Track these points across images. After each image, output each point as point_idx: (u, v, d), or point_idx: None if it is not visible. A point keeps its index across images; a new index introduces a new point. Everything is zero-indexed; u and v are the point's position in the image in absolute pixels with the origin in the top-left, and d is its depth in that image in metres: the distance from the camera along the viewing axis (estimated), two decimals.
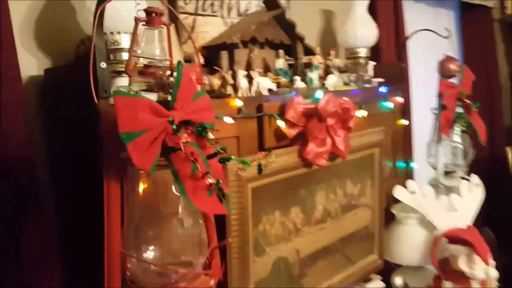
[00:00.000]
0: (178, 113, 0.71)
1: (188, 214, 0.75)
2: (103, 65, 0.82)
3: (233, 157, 0.78)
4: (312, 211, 1.28)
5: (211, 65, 1.26)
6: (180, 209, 0.73)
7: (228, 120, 1.01)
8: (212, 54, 1.30)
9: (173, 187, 0.73)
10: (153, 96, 0.78)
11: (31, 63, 1.01)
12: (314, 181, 1.28)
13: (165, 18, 0.81)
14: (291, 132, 1.17)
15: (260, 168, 0.82)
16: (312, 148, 1.20)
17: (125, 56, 0.95)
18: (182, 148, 0.68)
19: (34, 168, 0.92)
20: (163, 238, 0.74)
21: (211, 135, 0.76)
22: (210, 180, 0.70)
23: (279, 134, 1.18)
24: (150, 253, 0.74)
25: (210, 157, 0.77)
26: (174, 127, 0.70)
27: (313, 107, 1.20)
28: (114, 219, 0.70)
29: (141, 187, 0.74)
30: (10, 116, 0.87)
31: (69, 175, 1.00)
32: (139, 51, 0.76)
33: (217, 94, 1.13)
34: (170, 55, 0.79)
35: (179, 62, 0.76)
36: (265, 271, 1.15)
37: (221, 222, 1.04)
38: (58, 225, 1.00)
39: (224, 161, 0.77)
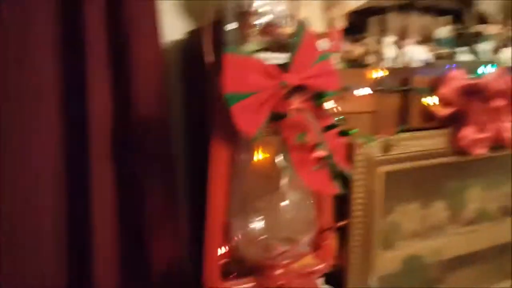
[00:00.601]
0: (293, 76, 0.64)
1: (294, 189, 0.68)
2: (230, 27, 0.79)
3: (354, 130, 0.68)
4: (462, 209, 1.09)
5: (359, 32, 1.15)
6: (284, 182, 0.67)
7: (361, 92, 0.90)
8: (360, 20, 1.17)
9: (278, 158, 0.66)
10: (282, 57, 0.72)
11: (176, 26, 1.03)
12: (468, 173, 1.07)
13: None
14: (443, 112, 0.99)
15: (385, 148, 0.70)
16: (468, 133, 1.00)
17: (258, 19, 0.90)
18: (291, 115, 0.61)
19: (169, 138, 0.94)
20: (267, 211, 0.69)
21: (329, 104, 0.67)
22: (320, 154, 0.62)
23: (427, 114, 1.01)
24: (255, 225, 0.70)
25: (327, 128, 0.68)
26: (286, 91, 0.63)
27: (475, 83, 0.99)
28: (219, 186, 0.67)
29: (249, 155, 0.69)
30: (149, 81, 0.90)
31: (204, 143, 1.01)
32: (261, 10, 0.71)
33: (355, 64, 1.02)
34: (296, 13, 0.72)
35: (300, 22, 0.68)
36: (393, 267, 1.02)
37: (344, 203, 0.95)
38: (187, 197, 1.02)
39: (343, 134, 0.68)
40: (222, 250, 0.70)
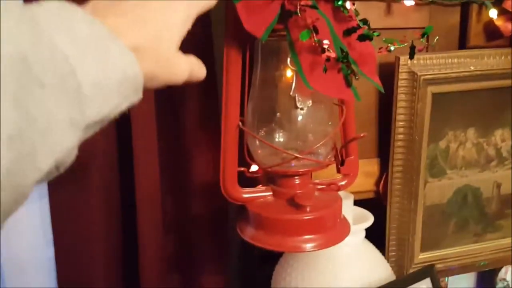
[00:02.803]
0: None
1: (307, 95, 0.66)
2: None
3: (376, 33, 0.63)
4: None
5: None
6: (294, 86, 0.64)
7: (408, 2, 0.82)
8: None
9: (288, 60, 0.64)
10: None
11: None
12: None
13: None
14: (509, 27, 0.87)
15: (412, 51, 0.64)
16: None
17: None
18: (299, 12, 0.58)
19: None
20: (282, 120, 0.68)
21: (349, 5, 0.63)
22: (330, 54, 0.58)
23: (491, 30, 0.89)
24: (271, 134, 0.70)
25: (347, 32, 0.64)
26: None
27: None
28: (232, 91, 0.67)
29: (265, 63, 0.68)
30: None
31: None
32: None
33: None
34: None
35: None
36: (442, 197, 0.95)
37: (386, 124, 0.90)
38: None
39: (363, 38, 0.63)
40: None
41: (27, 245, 0.94)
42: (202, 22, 0.94)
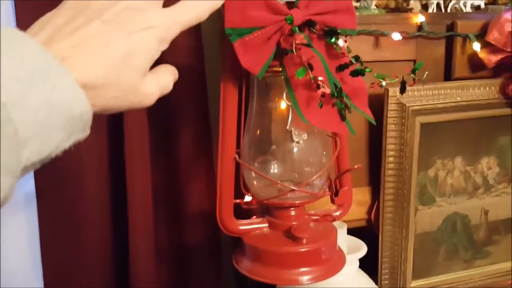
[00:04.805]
0: (300, 12, 0.62)
1: (302, 129, 0.67)
2: None
3: (368, 69, 0.65)
4: None
5: None
6: (290, 120, 0.66)
7: (396, 36, 0.85)
8: None
9: (284, 95, 0.66)
10: None
11: None
12: None
13: None
14: (492, 59, 0.91)
15: (403, 86, 0.66)
16: None
17: None
18: (294, 50, 0.60)
19: (204, 85, 0.96)
20: (277, 153, 0.69)
21: (341, 43, 0.65)
22: (325, 90, 0.60)
23: (475, 62, 0.93)
24: (267, 166, 0.71)
25: (340, 68, 0.66)
26: (293, 28, 0.62)
27: None
28: (228, 124, 0.68)
29: (261, 97, 0.69)
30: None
31: None
32: None
33: (397, 9, 0.96)
34: None
35: None
36: (432, 225, 0.97)
37: (376, 154, 0.92)
38: None
39: (356, 74, 0.65)
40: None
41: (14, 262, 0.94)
42: (194, 43, 0.95)
